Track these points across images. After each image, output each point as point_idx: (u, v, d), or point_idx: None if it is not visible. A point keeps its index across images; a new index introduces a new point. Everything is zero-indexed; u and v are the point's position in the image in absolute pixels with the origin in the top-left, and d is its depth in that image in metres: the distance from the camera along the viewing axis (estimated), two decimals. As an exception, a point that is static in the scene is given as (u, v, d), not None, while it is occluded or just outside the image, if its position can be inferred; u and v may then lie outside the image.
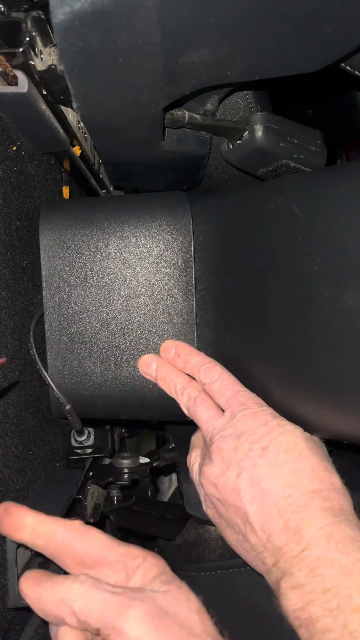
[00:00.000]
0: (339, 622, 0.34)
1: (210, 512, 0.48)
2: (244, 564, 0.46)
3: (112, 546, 0.41)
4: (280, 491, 0.42)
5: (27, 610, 0.48)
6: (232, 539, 0.45)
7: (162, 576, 0.39)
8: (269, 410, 0.47)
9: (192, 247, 0.55)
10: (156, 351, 0.55)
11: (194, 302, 0.55)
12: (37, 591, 0.38)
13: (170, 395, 0.53)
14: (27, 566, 0.45)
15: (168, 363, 0.54)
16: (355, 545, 0.38)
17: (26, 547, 0.46)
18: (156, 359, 0.54)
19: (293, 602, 0.37)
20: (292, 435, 0.45)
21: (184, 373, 0.53)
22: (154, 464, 0.68)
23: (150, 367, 0.54)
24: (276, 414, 0.47)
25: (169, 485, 1.03)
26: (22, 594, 0.39)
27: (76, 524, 0.41)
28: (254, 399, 0.48)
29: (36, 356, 0.54)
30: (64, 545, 0.40)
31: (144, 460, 0.67)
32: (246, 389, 0.49)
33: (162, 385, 0.53)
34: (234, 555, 0.47)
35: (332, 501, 0.41)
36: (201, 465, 0.47)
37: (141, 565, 0.40)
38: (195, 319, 0.55)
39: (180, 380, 0.52)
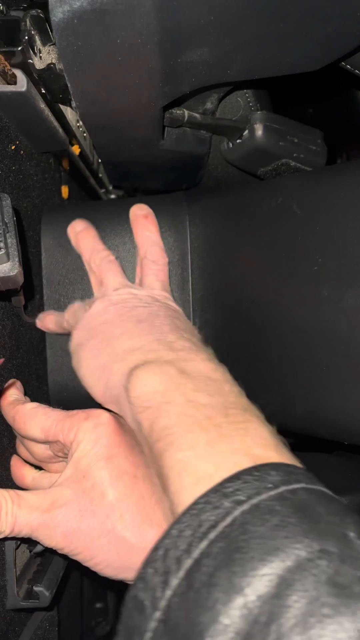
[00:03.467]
0: (203, 414, 0.33)
1: (75, 363, 0.48)
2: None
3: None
4: (157, 321, 0.45)
5: (26, 611, 0.48)
6: (92, 371, 0.45)
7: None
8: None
9: (188, 243, 0.55)
10: None
11: (190, 298, 0.55)
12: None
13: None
14: (26, 567, 0.45)
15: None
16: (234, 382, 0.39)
17: (25, 548, 0.46)
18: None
19: (151, 384, 0.36)
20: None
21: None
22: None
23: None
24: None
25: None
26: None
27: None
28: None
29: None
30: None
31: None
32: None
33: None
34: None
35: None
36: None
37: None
38: (193, 317, 0.55)
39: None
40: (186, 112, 0.50)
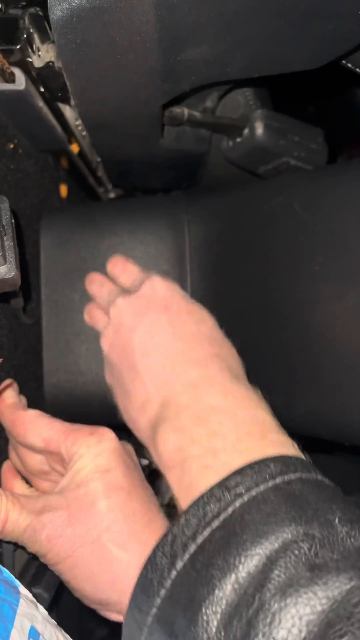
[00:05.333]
0: (220, 461, 0.34)
1: (108, 378, 0.48)
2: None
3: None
4: (179, 347, 0.42)
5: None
6: (120, 400, 0.45)
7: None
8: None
9: (188, 243, 0.55)
10: None
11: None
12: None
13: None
14: (25, 569, 0.45)
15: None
16: (251, 400, 0.38)
17: (24, 550, 0.46)
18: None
19: (171, 443, 0.37)
20: (197, 306, 0.46)
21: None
22: (153, 466, 0.68)
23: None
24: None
25: (167, 487, 1.03)
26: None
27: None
28: None
29: None
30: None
31: (143, 462, 0.66)
32: None
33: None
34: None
35: (229, 362, 0.42)
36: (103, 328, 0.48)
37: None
38: None
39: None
40: (186, 111, 0.49)
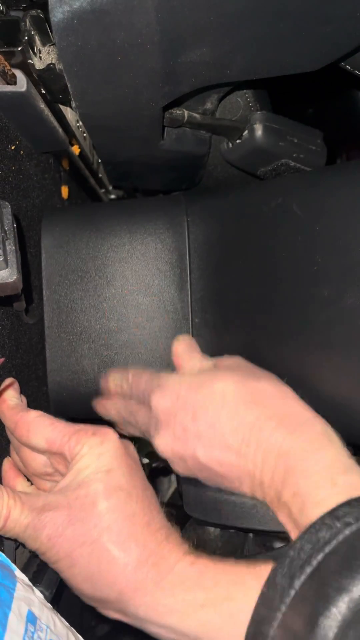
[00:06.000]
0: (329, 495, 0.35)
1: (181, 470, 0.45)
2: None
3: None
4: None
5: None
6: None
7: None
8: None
9: (187, 243, 0.55)
10: (152, 348, 0.55)
11: (189, 298, 0.55)
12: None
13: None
14: (26, 567, 0.45)
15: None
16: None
17: (25, 548, 0.46)
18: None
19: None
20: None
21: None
22: (153, 465, 0.68)
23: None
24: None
25: (168, 486, 1.03)
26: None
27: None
28: None
29: None
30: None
31: (144, 460, 0.67)
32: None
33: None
34: (234, 556, 0.47)
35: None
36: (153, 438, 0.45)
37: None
38: (191, 316, 0.55)
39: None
40: (186, 112, 0.50)
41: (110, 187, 0.84)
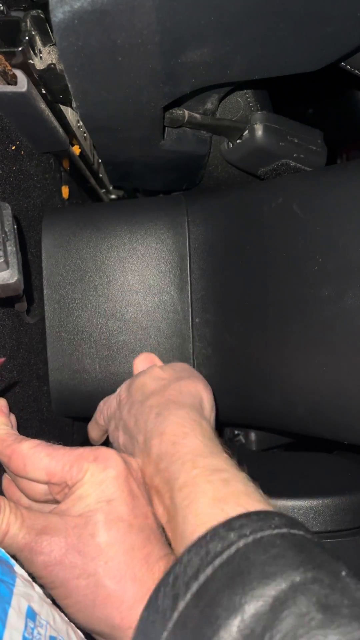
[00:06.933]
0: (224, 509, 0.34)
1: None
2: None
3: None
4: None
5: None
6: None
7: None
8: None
9: (187, 244, 0.55)
10: (152, 348, 0.55)
11: (190, 298, 0.55)
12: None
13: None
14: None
15: None
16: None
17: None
18: None
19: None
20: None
21: None
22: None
23: None
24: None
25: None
26: None
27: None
28: None
29: None
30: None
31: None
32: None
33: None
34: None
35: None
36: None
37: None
38: (191, 315, 0.55)
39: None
40: (186, 113, 0.50)
41: (111, 187, 0.84)
